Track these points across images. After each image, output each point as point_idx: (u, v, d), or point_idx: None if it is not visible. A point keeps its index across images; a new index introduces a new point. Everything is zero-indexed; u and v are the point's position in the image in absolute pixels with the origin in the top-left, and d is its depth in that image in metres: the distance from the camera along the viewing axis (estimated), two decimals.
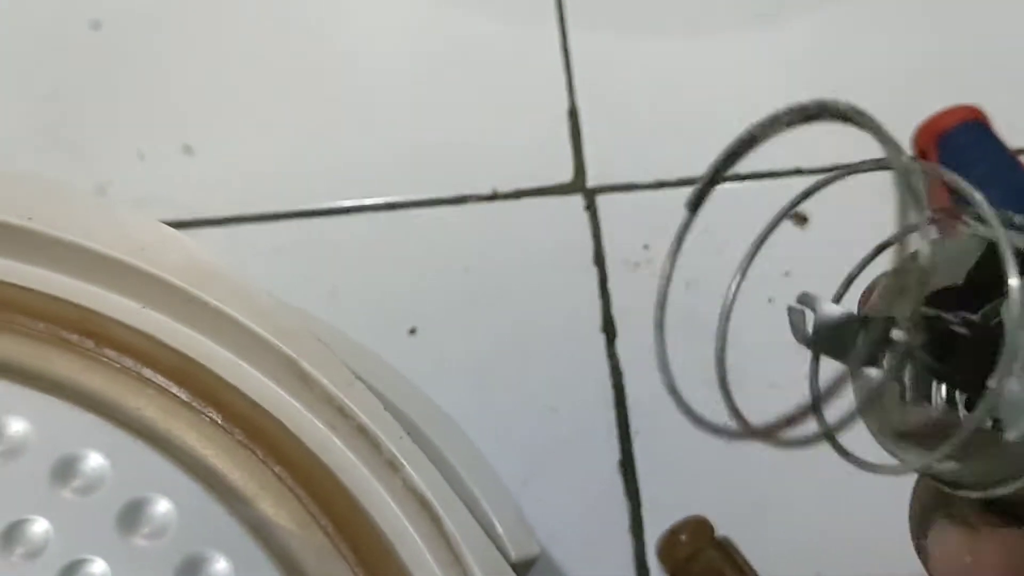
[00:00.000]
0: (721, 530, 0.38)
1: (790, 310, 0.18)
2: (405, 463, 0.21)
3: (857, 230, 0.45)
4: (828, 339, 0.18)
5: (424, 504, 0.20)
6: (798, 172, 0.45)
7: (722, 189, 0.47)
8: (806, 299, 0.19)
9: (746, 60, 0.48)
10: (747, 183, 0.45)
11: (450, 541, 0.20)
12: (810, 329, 0.18)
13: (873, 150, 0.48)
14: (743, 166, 0.51)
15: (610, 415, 0.41)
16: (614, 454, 0.40)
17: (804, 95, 0.42)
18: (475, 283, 0.43)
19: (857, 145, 0.46)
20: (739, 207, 0.45)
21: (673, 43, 0.49)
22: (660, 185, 0.45)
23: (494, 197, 0.45)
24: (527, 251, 0.44)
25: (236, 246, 0.44)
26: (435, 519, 0.20)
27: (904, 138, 0.45)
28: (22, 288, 0.21)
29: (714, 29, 0.49)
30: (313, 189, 0.44)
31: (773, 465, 0.39)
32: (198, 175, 0.45)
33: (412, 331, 0.42)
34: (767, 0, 0.49)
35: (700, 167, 0.52)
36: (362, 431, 0.21)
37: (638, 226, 0.44)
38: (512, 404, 0.41)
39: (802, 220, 0.44)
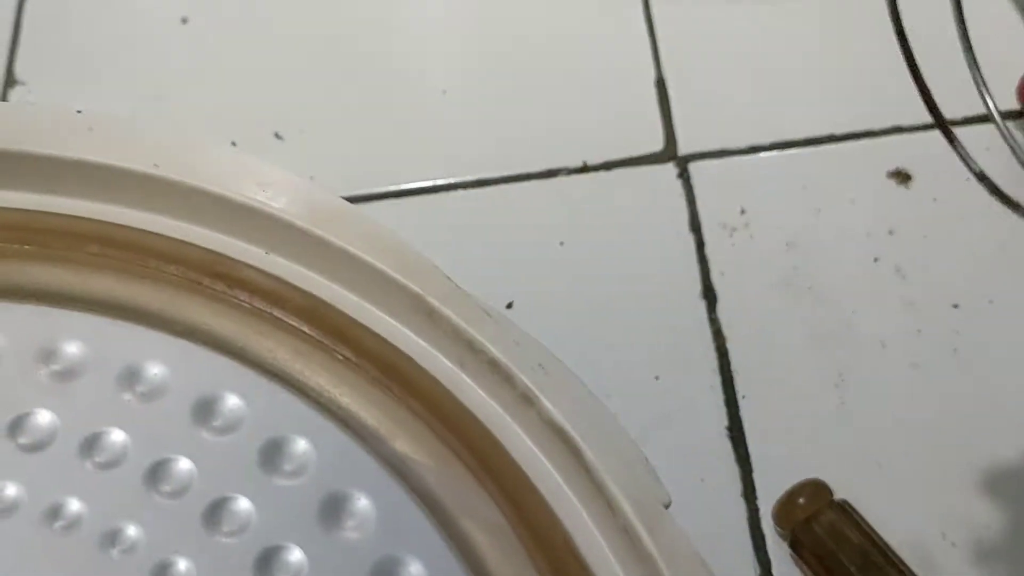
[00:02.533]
0: (838, 494, 0.36)
1: None
2: (540, 395, 0.20)
3: (960, 187, 0.43)
4: None
5: (563, 437, 0.20)
6: (897, 130, 0.44)
7: (820, 150, 0.46)
8: None
9: (833, 17, 0.47)
10: (844, 143, 0.44)
11: (592, 474, 0.20)
12: None
13: (973, 101, 0.45)
14: (840, 126, 0.49)
15: (715, 380, 0.40)
16: (722, 420, 0.39)
17: (897, 50, 0.40)
18: (570, 255, 0.43)
19: (959, 98, 0.44)
20: (837, 167, 0.44)
21: (757, 5, 0.48)
22: (753, 150, 0.44)
23: (585, 169, 0.44)
24: (621, 221, 0.43)
25: None
26: (575, 452, 0.20)
27: (1009, 88, 0.43)
28: (152, 233, 0.21)
29: None
30: (404, 169, 0.44)
31: (887, 426, 0.38)
32: (289, 160, 0.45)
33: (510, 305, 0.42)
34: None
35: (792, 130, 0.51)
36: (494, 365, 0.21)
37: (733, 191, 0.43)
38: (614, 374, 0.40)
39: (905, 178, 0.43)
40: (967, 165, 0.28)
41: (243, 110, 0.46)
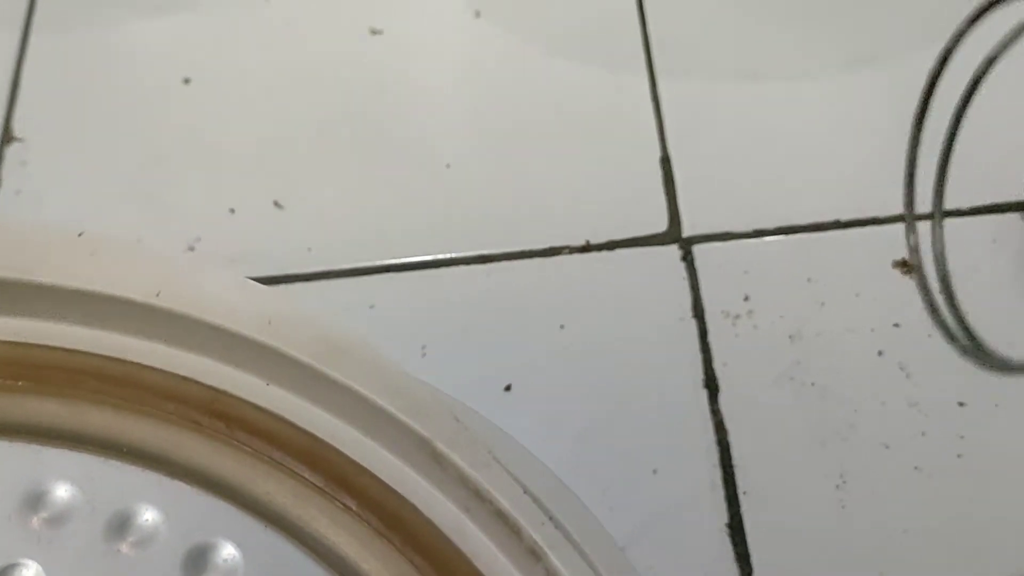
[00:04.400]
0: None
1: None
2: (548, 551, 0.19)
3: (964, 277, 0.43)
4: None
5: None
6: (903, 219, 0.44)
7: (824, 236, 0.46)
8: None
9: (845, 103, 0.47)
10: (849, 230, 0.44)
11: None
12: None
13: (978, 190, 0.45)
14: (845, 212, 0.49)
15: (715, 474, 0.39)
16: (721, 516, 0.38)
17: (906, 139, 0.39)
18: (571, 337, 0.42)
19: (969, 189, 0.44)
20: (842, 254, 0.43)
21: (766, 87, 0.48)
22: (758, 234, 0.44)
23: (587, 248, 0.44)
24: (623, 303, 0.43)
25: (327, 302, 0.43)
26: None
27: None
28: (151, 368, 0.20)
29: (809, 72, 0.48)
30: (404, 243, 0.44)
31: (889, 530, 0.37)
32: (289, 230, 0.44)
33: (507, 388, 0.41)
34: (866, 41, 0.48)
35: (797, 215, 0.50)
36: (500, 516, 0.20)
37: (737, 276, 0.43)
38: (611, 464, 0.40)
39: (911, 268, 0.42)
40: None
41: (243, 176, 0.45)
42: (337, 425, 0.21)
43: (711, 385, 0.41)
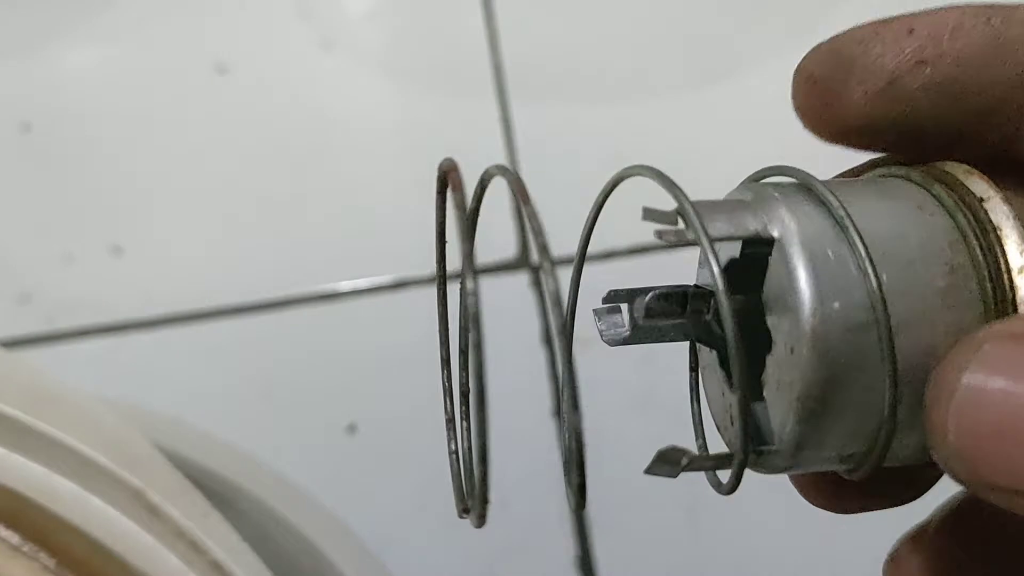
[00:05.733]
0: None
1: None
2: None
3: None
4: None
5: None
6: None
7: (676, 258, 0.45)
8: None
9: (696, 121, 0.46)
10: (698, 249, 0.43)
11: None
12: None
13: None
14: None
15: (566, 507, 0.38)
16: (571, 550, 0.37)
17: (760, 153, 0.39)
18: (417, 372, 0.41)
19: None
20: (692, 277, 0.43)
21: (616, 109, 0.47)
22: (609, 255, 0.43)
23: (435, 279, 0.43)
24: None
25: (168, 348, 0.42)
26: None
27: None
28: None
29: (659, 91, 0.48)
30: (248, 284, 0.42)
31: (740, 554, 0.37)
32: (128, 276, 0.43)
33: (351, 428, 0.40)
34: (717, 59, 0.47)
35: (649, 235, 0.50)
36: (216, 567, 0.19)
37: (587, 300, 0.42)
38: None
39: None
40: None
41: (85, 221, 0.44)
42: (51, 479, 0.20)
43: (560, 413, 0.40)
